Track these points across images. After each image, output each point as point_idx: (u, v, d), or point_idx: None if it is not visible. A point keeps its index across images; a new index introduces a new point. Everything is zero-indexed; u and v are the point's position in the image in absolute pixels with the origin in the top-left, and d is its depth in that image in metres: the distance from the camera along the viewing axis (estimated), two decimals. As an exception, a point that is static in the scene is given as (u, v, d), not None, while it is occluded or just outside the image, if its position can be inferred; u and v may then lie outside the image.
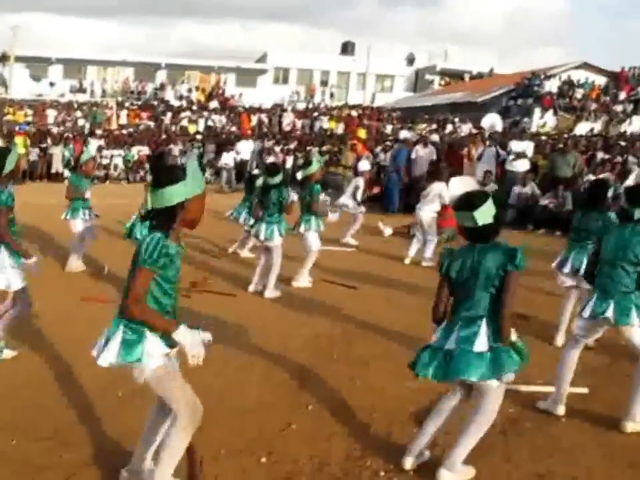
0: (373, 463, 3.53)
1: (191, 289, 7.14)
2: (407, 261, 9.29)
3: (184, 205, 2.84)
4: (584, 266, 4.81)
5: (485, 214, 3.19)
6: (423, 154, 15.05)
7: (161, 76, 44.26)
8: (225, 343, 5.13)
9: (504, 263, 3.14)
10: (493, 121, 19.32)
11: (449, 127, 27.97)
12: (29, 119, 29.18)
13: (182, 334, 2.81)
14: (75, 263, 8.20)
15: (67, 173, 22.64)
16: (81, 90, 42.68)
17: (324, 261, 8.36)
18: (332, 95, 44.15)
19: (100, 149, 25.23)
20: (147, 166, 24.94)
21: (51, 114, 29.81)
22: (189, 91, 40.23)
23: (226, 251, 9.77)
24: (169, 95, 41.05)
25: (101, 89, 42.95)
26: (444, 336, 3.28)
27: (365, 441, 3.78)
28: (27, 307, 4.99)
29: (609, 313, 3.93)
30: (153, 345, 2.84)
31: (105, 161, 25.15)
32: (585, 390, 4.60)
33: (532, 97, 27.54)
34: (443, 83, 43.22)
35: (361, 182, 11.24)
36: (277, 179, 7.17)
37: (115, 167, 25.21)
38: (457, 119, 28.55)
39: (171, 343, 2.87)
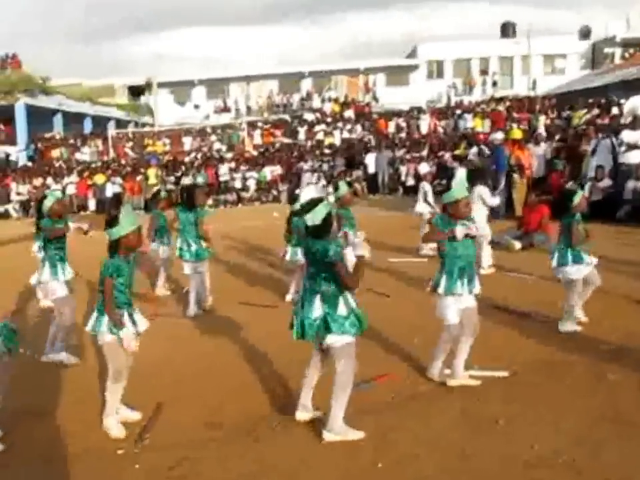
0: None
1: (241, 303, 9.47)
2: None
3: (121, 240, 5.13)
4: None
5: (314, 216, 4.83)
6: (535, 152, 16.24)
7: (306, 85, 47.70)
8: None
9: (327, 255, 4.74)
10: (636, 104, 19.41)
11: (615, 111, 27.85)
12: (167, 148, 33.54)
13: (124, 332, 5.17)
14: (160, 289, 10.69)
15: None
16: (225, 109, 47.01)
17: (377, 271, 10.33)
18: (495, 84, 44.79)
19: (231, 171, 28.72)
20: (280, 186, 28.05)
21: (187, 141, 33.99)
22: (322, 101, 42.95)
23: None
24: (317, 104, 44.20)
25: (245, 106, 46.98)
26: (300, 307, 5.00)
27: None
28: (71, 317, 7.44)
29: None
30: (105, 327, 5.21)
31: (237, 184, 28.56)
32: (505, 373, 6.08)
33: None
34: (627, 55, 42.09)
35: (426, 186, 12.88)
36: (297, 206, 9.14)
37: (248, 188, 28.45)
38: (622, 101, 28.24)
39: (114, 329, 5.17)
